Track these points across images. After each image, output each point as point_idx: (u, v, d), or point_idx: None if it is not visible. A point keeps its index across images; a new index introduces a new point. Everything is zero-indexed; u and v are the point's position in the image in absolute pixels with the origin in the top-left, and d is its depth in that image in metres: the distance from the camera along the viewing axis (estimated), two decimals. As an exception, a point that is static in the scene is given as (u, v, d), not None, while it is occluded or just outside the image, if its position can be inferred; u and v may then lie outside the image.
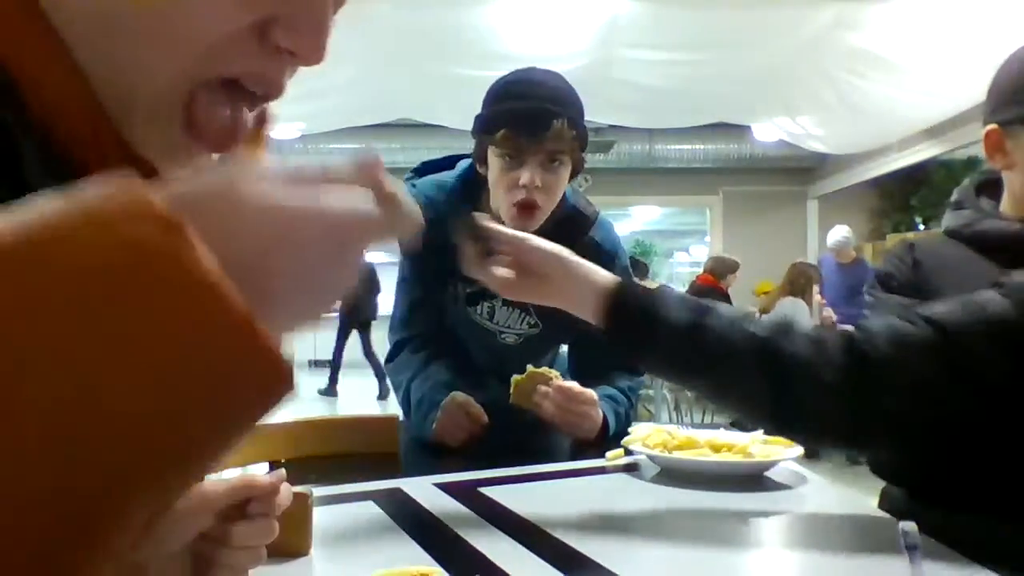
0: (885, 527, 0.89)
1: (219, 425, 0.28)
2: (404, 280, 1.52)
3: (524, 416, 1.33)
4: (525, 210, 1.32)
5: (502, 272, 0.94)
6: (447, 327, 1.52)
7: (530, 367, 1.33)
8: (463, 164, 1.48)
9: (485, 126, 1.33)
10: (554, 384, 1.30)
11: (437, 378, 1.43)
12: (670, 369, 0.96)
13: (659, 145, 8.10)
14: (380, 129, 7.30)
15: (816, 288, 5.52)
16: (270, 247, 0.30)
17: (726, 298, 5.57)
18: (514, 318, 1.50)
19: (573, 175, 1.38)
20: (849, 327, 0.93)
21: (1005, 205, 1.09)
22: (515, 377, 1.32)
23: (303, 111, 5.92)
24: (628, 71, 4.96)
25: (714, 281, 5.78)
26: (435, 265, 1.41)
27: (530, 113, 1.29)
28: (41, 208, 0.26)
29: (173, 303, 0.26)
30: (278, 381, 0.29)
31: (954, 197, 1.15)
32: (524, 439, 1.40)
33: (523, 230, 1.37)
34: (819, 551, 0.87)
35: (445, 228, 1.49)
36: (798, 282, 5.42)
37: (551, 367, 1.38)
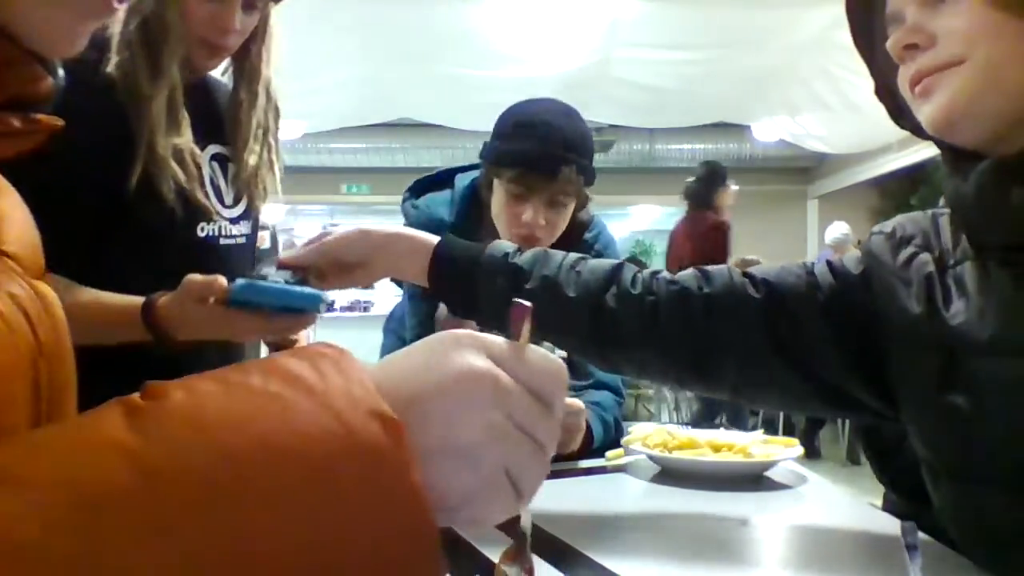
0: (885, 527, 0.89)
1: None
2: (414, 306, 1.50)
3: None
4: (529, 242, 1.32)
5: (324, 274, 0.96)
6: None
7: None
8: (462, 180, 1.48)
9: (496, 159, 1.35)
10: None
11: None
12: (494, 311, 0.96)
13: (659, 145, 8.09)
14: (380, 129, 7.31)
15: None
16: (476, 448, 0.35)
17: None
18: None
19: (578, 208, 1.40)
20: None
21: None
22: None
23: (304, 110, 5.92)
24: (628, 71, 4.95)
25: None
26: None
27: (541, 157, 1.30)
28: (264, 385, 0.30)
29: (384, 511, 0.30)
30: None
31: None
32: None
33: None
34: (819, 551, 0.87)
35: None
36: None
37: None
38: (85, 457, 0.27)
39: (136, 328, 0.99)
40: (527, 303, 0.38)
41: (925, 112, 0.73)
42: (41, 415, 0.38)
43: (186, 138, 1.09)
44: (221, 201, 1.17)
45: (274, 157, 1.25)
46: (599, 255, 1.46)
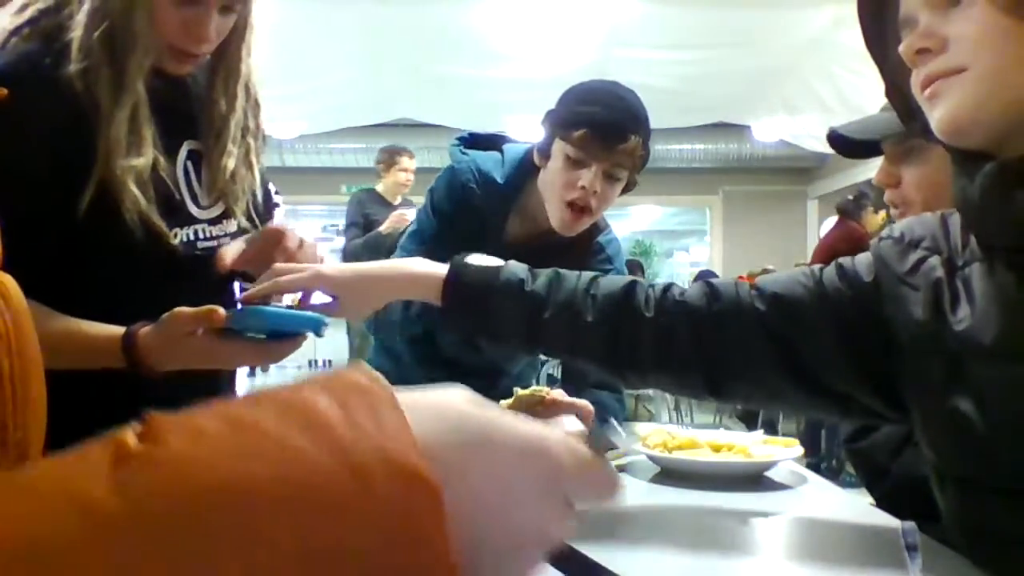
0: (885, 527, 0.89)
1: None
2: (418, 231, 1.53)
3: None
4: (577, 210, 1.37)
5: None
6: None
7: (517, 390, 1.26)
8: (514, 150, 1.50)
9: (562, 122, 1.36)
10: (548, 402, 1.23)
11: None
12: (511, 336, 0.96)
13: (659, 145, 8.09)
14: (380, 129, 7.30)
15: None
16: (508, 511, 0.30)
17: None
18: None
19: (624, 190, 1.42)
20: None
21: None
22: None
23: (303, 111, 5.92)
24: (628, 71, 4.95)
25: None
26: (463, 235, 1.43)
27: (611, 122, 1.32)
28: (296, 445, 0.25)
29: None
30: None
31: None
32: None
33: (569, 230, 1.40)
34: (819, 551, 0.87)
35: (490, 203, 1.44)
36: None
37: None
38: (50, 509, 0.23)
39: (116, 358, 0.93)
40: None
41: (934, 116, 0.73)
42: (6, 400, 0.37)
43: (147, 158, 0.99)
44: (197, 203, 1.10)
45: (253, 158, 1.17)
46: (609, 260, 1.51)
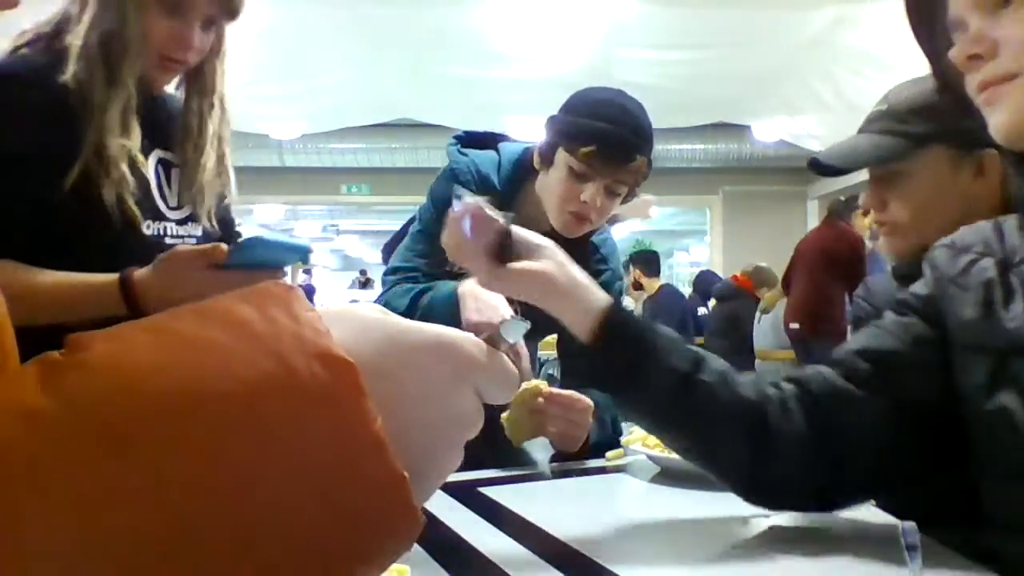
0: (885, 527, 0.89)
1: (357, 567, 0.29)
2: (423, 231, 1.50)
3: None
4: (577, 218, 1.37)
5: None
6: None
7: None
8: (509, 150, 1.50)
9: (569, 134, 1.34)
10: (547, 395, 1.20)
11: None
12: (649, 416, 0.90)
13: (659, 145, 7.97)
14: (380, 129, 7.30)
15: None
16: (393, 368, 0.31)
17: (755, 302, 5.60)
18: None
19: (622, 202, 1.42)
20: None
21: None
22: (505, 416, 1.18)
23: (303, 111, 5.92)
24: (628, 71, 4.95)
25: (750, 287, 5.77)
26: None
27: (620, 141, 1.32)
28: (208, 332, 0.27)
29: (339, 453, 0.27)
30: (414, 533, 0.29)
31: None
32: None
33: (570, 233, 1.39)
34: (819, 551, 0.87)
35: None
36: None
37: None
38: None
39: (109, 304, 1.00)
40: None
41: (991, 122, 0.75)
42: None
43: (135, 143, 1.11)
44: (166, 203, 1.20)
45: (227, 164, 1.27)
46: (604, 260, 1.51)
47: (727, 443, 0.87)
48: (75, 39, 1.08)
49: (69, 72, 1.05)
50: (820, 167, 1.20)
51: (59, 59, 1.06)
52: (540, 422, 1.20)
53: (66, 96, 1.05)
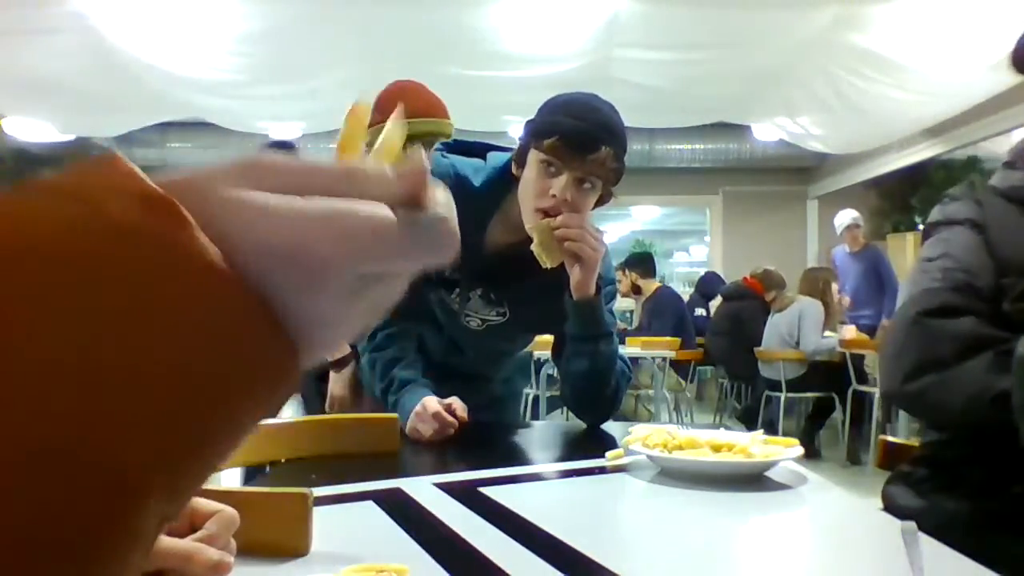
0: (885, 527, 0.89)
1: (232, 413, 0.26)
2: None
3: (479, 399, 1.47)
4: (548, 217, 1.38)
5: None
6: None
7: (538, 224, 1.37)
8: (497, 157, 1.53)
9: (535, 132, 1.39)
10: (558, 224, 1.35)
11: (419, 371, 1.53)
12: None
13: (659, 145, 8.10)
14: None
15: (835, 287, 5.53)
16: (271, 264, 0.26)
17: (765, 305, 5.62)
18: (481, 305, 1.56)
19: (599, 203, 1.44)
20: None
21: None
22: (534, 246, 1.36)
23: (303, 111, 5.92)
24: (627, 71, 4.95)
25: (759, 289, 5.77)
26: None
27: (582, 132, 1.35)
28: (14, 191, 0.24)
29: (172, 286, 0.24)
30: (293, 368, 0.27)
31: (1008, 158, 1.19)
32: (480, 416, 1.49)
33: None
34: (819, 551, 0.87)
35: (467, 207, 1.50)
36: (815, 285, 5.43)
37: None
38: None
39: None
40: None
41: None
42: None
43: None
44: None
45: None
46: None
47: None
48: None
49: None
50: None
51: None
52: (561, 244, 1.36)
53: None
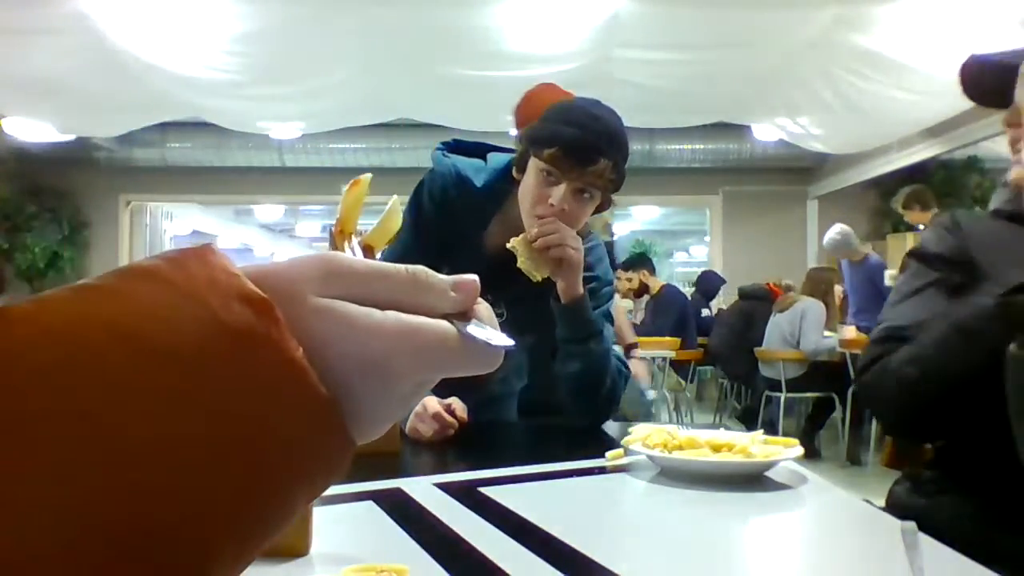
0: (885, 527, 0.89)
1: (294, 496, 0.29)
2: (403, 244, 1.51)
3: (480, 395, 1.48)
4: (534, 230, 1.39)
5: None
6: None
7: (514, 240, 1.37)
8: (498, 158, 1.53)
9: (535, 140, 1.38)
10: (534, 236, 1.35)
11: None
12: None
13: (659, 145, 8.10)
14: (380, 129, 7.30)
15: (838, 289, 5.53)
16: (352, 373, 0.30)
17: (771, 300, 5.64)
18: None
19: (598, 209, 1.44)
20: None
21: None
22: (520, 263, 1.35)
23: (303, 111, 5.92)
24: (628, 71, 4.95)
25: (778, 294, 5.78)
26: (438, 237, 1.48)
27: (582, 143, 1.35)
28: (120, 282, 0.27)
29: (263, 382, 0.27)
30: (347, 459, 0.30)
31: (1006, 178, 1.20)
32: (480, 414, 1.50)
33: None
34: (819, 551, 0.87)
35: (468, 208, 1.44)
36: (819, 286, 5.43)
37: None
38: None
39: None
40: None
41: None
42: None
43: None
44: None
45: None
46: (589, 267, 1.53)
47: None
48: None
49: None
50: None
51: None
52: (544, 254, 1.36)
53: None
